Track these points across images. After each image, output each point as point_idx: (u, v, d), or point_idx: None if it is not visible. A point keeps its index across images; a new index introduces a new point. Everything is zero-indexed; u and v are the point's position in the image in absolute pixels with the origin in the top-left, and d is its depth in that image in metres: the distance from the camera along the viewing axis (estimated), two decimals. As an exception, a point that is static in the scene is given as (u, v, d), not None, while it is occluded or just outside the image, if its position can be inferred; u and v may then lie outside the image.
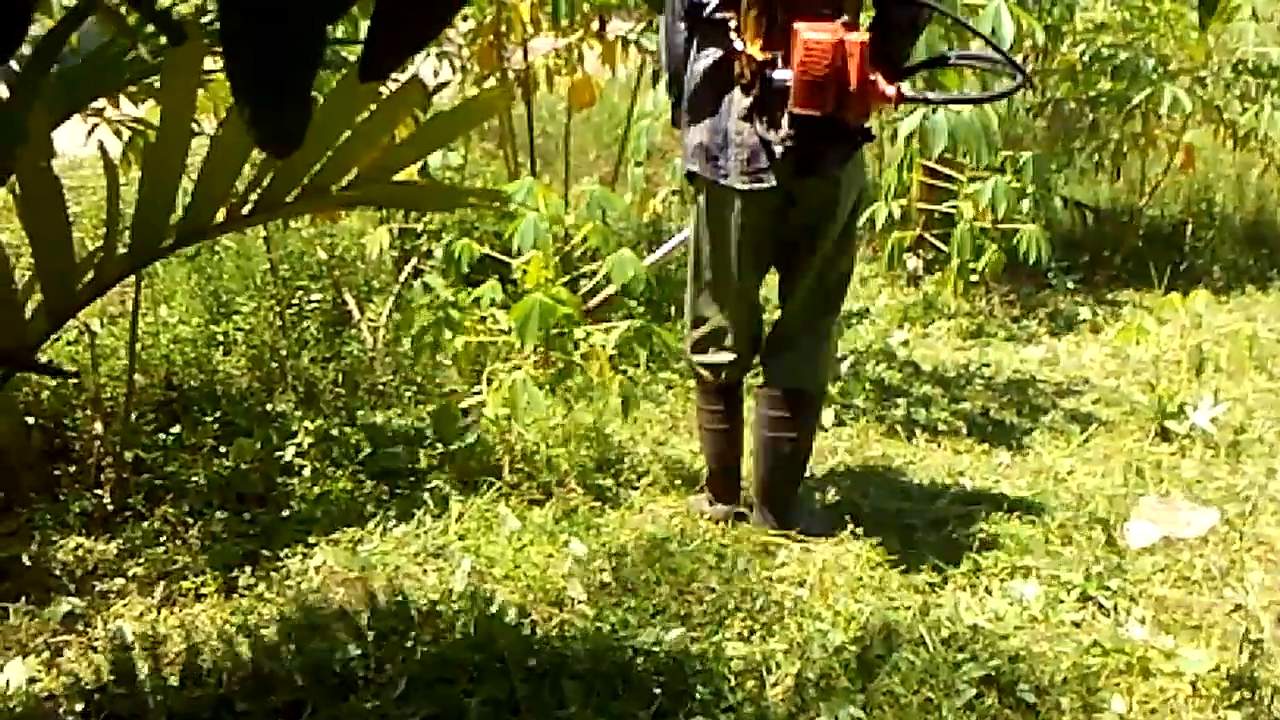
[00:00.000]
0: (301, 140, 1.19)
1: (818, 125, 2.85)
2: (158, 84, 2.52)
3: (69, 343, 3.93)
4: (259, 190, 1.74)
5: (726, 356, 3.32)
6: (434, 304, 3.85)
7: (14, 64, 1.90)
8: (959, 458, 3.98)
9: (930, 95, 3.05)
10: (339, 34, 3.10)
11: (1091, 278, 6.49)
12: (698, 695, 2.43)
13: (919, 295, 5.98)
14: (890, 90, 2.83)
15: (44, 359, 3.72)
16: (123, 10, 1.82)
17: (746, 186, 3.03)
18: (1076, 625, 2.80)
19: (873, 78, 2.80)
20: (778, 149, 2.93)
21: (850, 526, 3.31)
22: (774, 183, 3.00)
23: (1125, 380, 4.87)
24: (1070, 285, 6.23)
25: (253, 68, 1.06)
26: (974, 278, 5.60)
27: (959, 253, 5.40)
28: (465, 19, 4.82)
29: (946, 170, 5.53)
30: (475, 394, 3.80)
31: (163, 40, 1.85)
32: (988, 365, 5.14)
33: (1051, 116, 7.36)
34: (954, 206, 5.49)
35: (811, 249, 3.17)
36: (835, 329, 3.32)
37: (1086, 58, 6.11)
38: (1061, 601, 2.90)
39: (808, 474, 3.78)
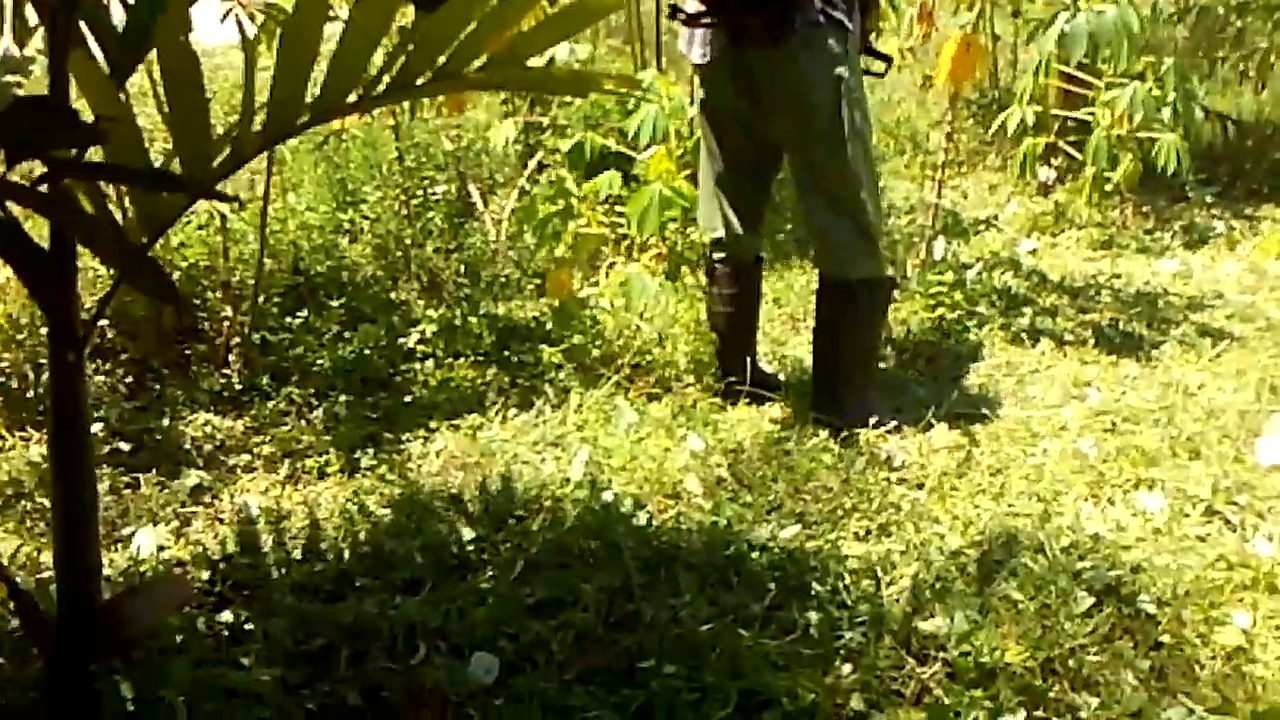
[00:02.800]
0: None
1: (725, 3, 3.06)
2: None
3: (199, 226, 4.00)
4: (392, 72, 1.74)
5: (713, 233, 3.49)
6: (555, 194, 3.85)
7: (154, -63, 1.92)
8: (1085, 368, 3.89)
9: None
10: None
11: (1230, 191, 6.29)
12: (812, 591, 2.43)
13: (1049, 204, 5.84)
14: None
15: (175, 242, 3.81)
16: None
17: (700, 60, 3.23)
18: (1201, 539, 2.74)
19: None
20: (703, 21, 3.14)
21: (972, 432, 3.27)
22: (716, 55, 3.17)
23: (1261, 296, 4.73)
24: (1208, 199, 6.04)
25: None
26: (1108, 187, 5.45)
27: (1094, 161, 5.25)
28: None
29: (1084, 76, 5.35)
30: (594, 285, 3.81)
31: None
32: (1118, 277, 5.01)
33: (1194, 25, 7.10)
34: (1090, 113, 5.33)
35: (785, 138, 3.25)
36: (868, 226, 3.23)
37: (1235, -37, 5.88)
38: (1186, 515, 2.83)
39: (926, 371, 3.77)
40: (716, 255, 3.49)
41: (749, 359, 3.52)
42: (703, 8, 3.11)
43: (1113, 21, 4.36)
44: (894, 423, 3.29)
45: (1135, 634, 2.31)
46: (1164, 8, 7.09)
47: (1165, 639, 2.31)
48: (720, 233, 3.45)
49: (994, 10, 6.17)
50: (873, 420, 3.25)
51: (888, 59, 3.33)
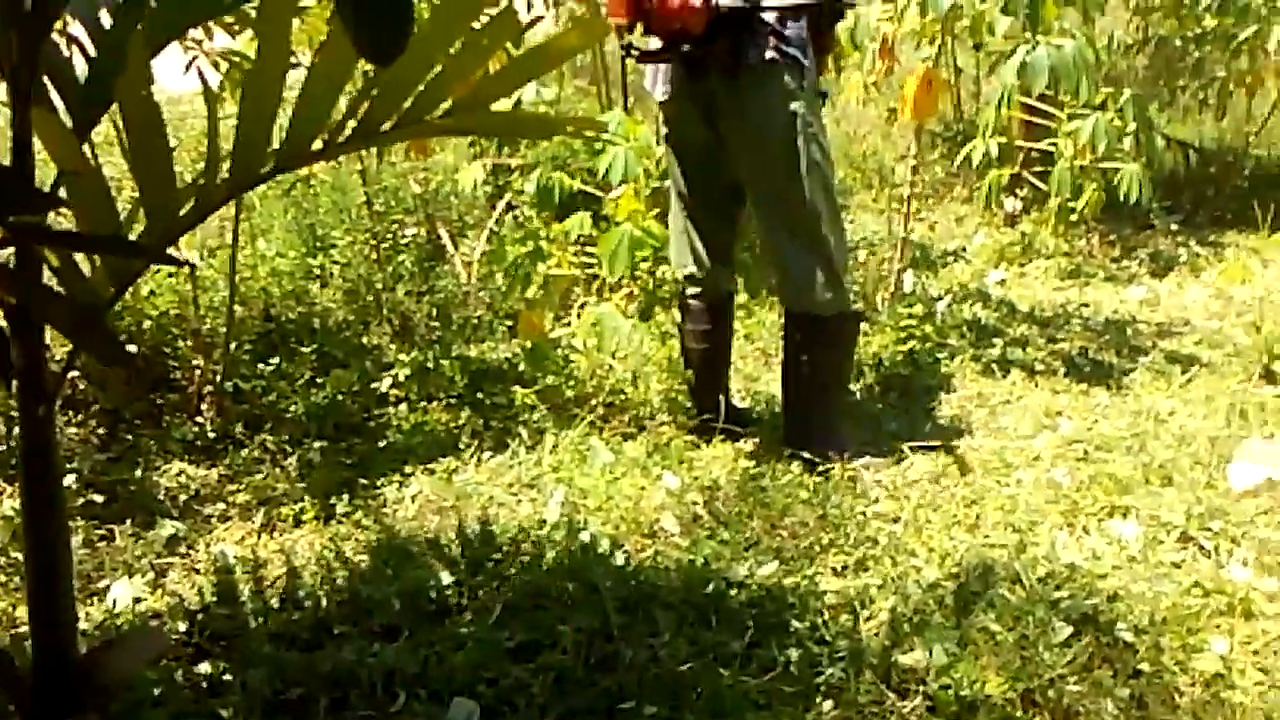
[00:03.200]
0: (404, 49, 1.19)
1: (683, 37, 3.07)
2: (253, 13, 2.53)
3: (169, 274, 3.98)
4: (356, 118, 1.74)
5: (684, 269, 3.51)
6: (525, 236, 3.86)
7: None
8: (1056, 397, 3.92)
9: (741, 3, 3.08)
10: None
11: (1194, 218, 6.35)
12: (791, 628, 2.43)
13: (1016, 235, 5.88)
14: (697, 1, 2.98)
15: (145, 291, 3.80)
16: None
17: (663, 97, 3.29)
18: (1176, 566, 2.75)
19: None
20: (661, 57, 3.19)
21: (946, 464, 3.29)
22: (677, 89, 3.23)
23: (1228, 321, 4.76)
24: (1172, 226, 6.09)
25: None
26: (1073, 217, 5.49)
27: (1058, 191, 5.29)
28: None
29: (1046, 108, 5.40)
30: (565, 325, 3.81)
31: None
32: (1086, 305, 5.05)
33: (1153, 55, 7.18)
34: (1053, 144, 5.37)
35: (742, 170, 3.25)
36: (830, 259, 3.23)
37: (1191, -7, 5.96)
38: (1161, 542, 2.85)
39: (898, 404, 3.78)
40: (690, 291, 3.50)
41: (723, 395, 3.53)
42: (661, 44, 3.14)
43: (1072, 54, 4.39)
44: (867, 456, 3.30)
45: (1114, 663, 2.32)
46: (1122, 39, 7.17)
47: (1144, 667, 2.32)
48: (692, 268, 3.46)
49: (955, 44, 6.23)
50: (846, 454, 3.26)
51: (824, 94, 3.32)
